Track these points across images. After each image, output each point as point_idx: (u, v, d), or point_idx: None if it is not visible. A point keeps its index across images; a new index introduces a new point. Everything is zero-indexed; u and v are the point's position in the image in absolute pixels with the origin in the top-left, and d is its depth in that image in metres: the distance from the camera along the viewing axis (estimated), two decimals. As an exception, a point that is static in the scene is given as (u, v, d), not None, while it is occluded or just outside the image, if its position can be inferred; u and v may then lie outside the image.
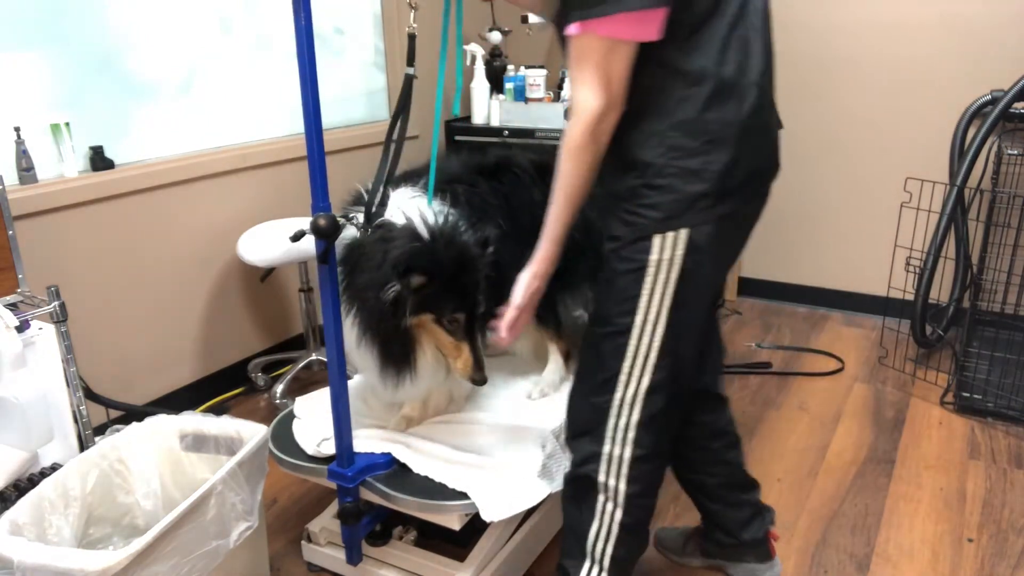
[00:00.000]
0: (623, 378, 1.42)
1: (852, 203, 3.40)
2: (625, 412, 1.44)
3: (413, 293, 1.55)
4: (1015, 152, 2.84)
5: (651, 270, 1.34)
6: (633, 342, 1.39)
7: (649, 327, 1.38)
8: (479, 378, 1.64)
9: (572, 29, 1.25)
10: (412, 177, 1.77)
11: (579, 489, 1.52)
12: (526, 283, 1.47)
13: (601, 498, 1.49)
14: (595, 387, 1.47)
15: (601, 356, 1.44)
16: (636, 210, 1.34)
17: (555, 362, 2.05)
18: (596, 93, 1.27)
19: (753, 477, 1.78)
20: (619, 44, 1.25)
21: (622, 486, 1.47)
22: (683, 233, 1.32)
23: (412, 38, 1.56)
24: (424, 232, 1.58)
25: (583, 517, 1.53)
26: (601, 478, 1.48)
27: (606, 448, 1.46)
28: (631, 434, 1.44)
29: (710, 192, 1.30)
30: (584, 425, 1.50)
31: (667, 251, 1.33)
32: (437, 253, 1.56)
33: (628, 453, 1.46)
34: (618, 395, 1.43)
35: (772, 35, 1.39)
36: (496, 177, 1.89)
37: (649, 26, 1.24)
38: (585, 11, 1.22)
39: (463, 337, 1.62)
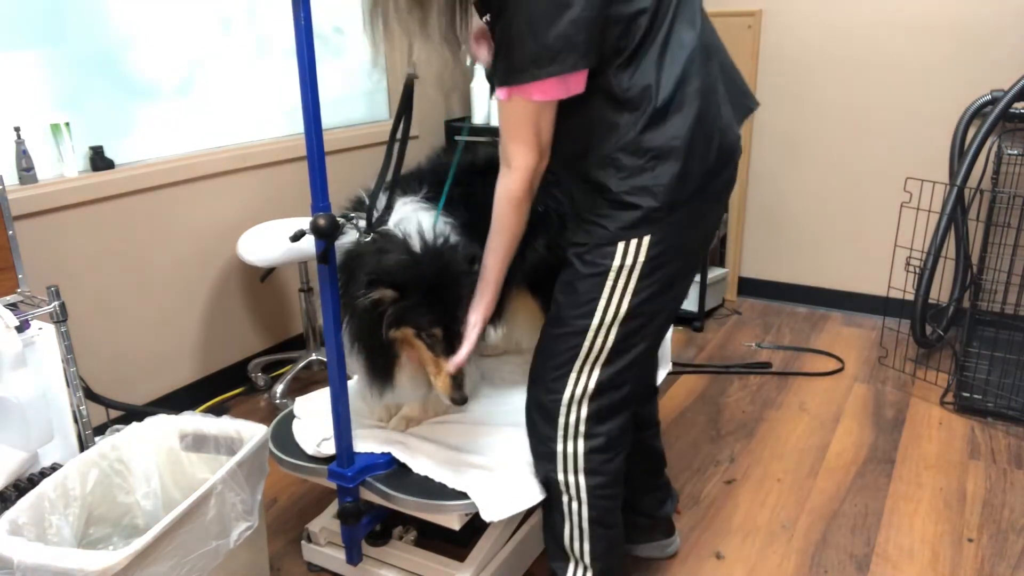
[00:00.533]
0: (573, 376, 1.45)
1: (852, 203, 3.40)
2: (574, 409, 1.47)
3: (391, 305, 1.54)
4: (1015, 152, 2.84)
5: (612, 275, 1.38)
6: (587, 343, 1.43)
7: (604, 329, 1.41)
8: (457, 398, 1.57)
9: (500, 94, 1.30)
10: (413, 183, 1.75)
11: (546, 492, 1.57)
12: (474, 327, 1.53)
13: (565, 498, 1.53)
14: (545, 387, 1.50)
15: (554, 355, 1.47)
16: (596, 220, 1.38)
17: None
18: (530, 149, 1.34)
19: (664, 455, 1.87)
20: (546, 104, 1.30)
21: (581, 480, 1.50)
22: (645, 240, 1.35)
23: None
24: (416, 245, 1.56)
25: (555, 520, 1.57)
26: (560, 476, 1.51)
27: (559, 446, 1.50)
28: (582, 427, 1.48)
29: (662, 205, 1.33)
30: (538, 429, 1.53)
31: (629, 257, 1.36)
32: (419, 266, 1.53)
33: (581, 447, 1.49)
34: (567, 394, 1.47)
35: (714, 34, 1.40)
36: (490, 175, 1.88)
37: (574, 85, 1.28)
38: (510, 78, 1.26)
39: (442, 353, 1.57)
